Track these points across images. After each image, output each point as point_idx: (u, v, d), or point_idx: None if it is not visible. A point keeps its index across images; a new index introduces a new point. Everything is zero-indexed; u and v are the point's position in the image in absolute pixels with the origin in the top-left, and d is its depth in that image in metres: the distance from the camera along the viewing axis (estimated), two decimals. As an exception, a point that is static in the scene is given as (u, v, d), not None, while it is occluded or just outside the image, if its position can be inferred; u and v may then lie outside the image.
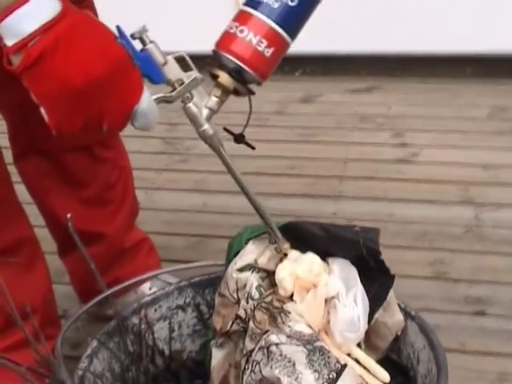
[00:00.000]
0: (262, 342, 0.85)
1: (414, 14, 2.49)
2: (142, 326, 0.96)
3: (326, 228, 0.92)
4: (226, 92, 0.88)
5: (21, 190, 1.25)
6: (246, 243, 0.94)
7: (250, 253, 0.93)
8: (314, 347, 0.84)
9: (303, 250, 0.91)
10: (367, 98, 2.51)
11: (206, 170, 2.03)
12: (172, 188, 2.00)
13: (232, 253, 0.95)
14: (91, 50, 0.75)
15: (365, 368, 0.86)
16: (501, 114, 2.31)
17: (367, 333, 0.93)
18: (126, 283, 1.03)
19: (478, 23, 2.45)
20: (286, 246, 0.91)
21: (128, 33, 0.81)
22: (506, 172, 1.96)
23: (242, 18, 0.87)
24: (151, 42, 0.84)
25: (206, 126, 0.87)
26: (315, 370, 0.82)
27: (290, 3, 0.85)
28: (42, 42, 0.72)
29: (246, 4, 0.88)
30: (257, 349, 0.86)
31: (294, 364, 0.82)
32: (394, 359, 0.95)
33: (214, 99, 0.87)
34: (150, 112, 0.81)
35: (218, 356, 0.96)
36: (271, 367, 0.83)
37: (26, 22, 0.71)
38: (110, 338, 0.91)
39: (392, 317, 0.94)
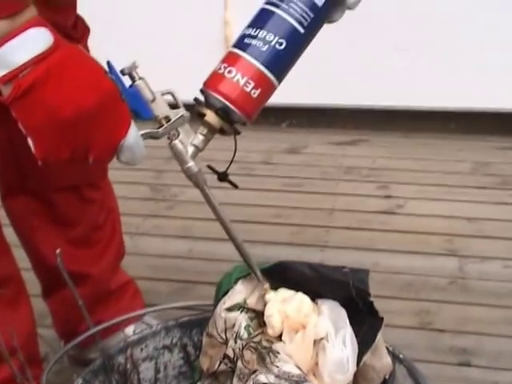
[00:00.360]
0: (250, 382, 0.84)
1: (400, 70, 2.55)
2: (128, 366, 0.95)
3: (315, 268, 0.92)
4: (212, 130, 0.89)
5: (7, 232, 1.24)
6: (235, 282, 0.94)
7: (239, 292, 0.93)
8: (302, 388, 0.83)
9: (293, 290, 0.91)
10: (352, 151, 2.54)
11: (193, 217, 2.04)
12: (158, 234, 2.00)
13: (221, 292, 0.95)
14: (82, 81, 0.76)
15: (353, 409, 0.85)
16: (484, 169, 2.35)
17: (355, 376, 0.92)
18: (110, 323, 1.01)
19: (462, 80, 2.51)
20: (266, 286, 0.91)
21: (118, 68, 0.83)
22: (490, 225, 1.98)
23: (230, 59, 0.89)
24: (140, 78, 0.85)
25: (190, 164, 0.88)
26: (304, 411, 0.81)
27: (278, 47, 0.87)
28: (33, 73, 0.73)
29: (235, 46, 0.90)
30: (245, 389, 0.85)
31: (282, 404, 0.81)
32: (381, 405, 0.93)
33: (200, 137, 0.89)
34: (137, 147, 0.82)
35: (203, 398, 0.95)
36: (259, 407, 0.81)
37: (17, 53, 0.72)
38: (95, 377, 0.90)
39: (380, 360, 0.93)
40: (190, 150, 0.88)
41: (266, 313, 0.88)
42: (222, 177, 0.94)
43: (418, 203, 2.12)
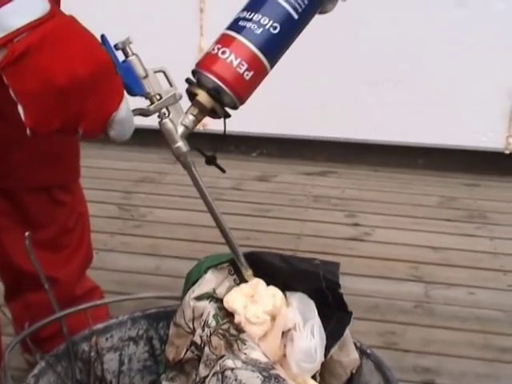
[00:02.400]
0: (217, 367, 0.83)
1: (371, 104, 2.60)
2: (92, 354, 0.93)
3: (286, 259, 0.92)
4: (202, 111, 0.89)
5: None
6: (205, 272, 0.94)
7: (209, 282, 0.93)
8: (269, 374, 0.82)
9: (264, 280, 0.91)
10: (321, 181, 2.56)
11: (160, 236, 2.03)
12: (125, 251, 1.98)
13: (190, 281, 0.94)
14: (77, 51, 0.75)
15: (319, 399, 0.85)
16: (450, 204, 2.39)
17: (321, 373, 0.91)
18: (76, 308, 0.99)
19: (431, 117, 2.56)
20: (249, 272, 0.91)
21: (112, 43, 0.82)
22: (455, 255, 2.01)
23: (224, 40, 0.88)
24: (134, 54, 0.85)
25: (180, 143, 0.87)
26: (270, 397, 0.80)
27: (273, 31, 0.88)
28: (28, 39, 0.72)
29: (229, 28, 0.89)
30: (211, 375, 0.84)
31: (248, 389, 0.80)
32: (347, 400, 0.93)
33: (191, 117, 0.88)
34: (127, 122, 0.81)
35: (168, 390, 0.93)
36: (225, 392, 0.80)
37: (13, 17, 0.71)
38: (58, 361, 0.88)
39: (348, 355, 0.93)
40: (180, 129, 0.87)
41: (225, 298, 0.88)
42: (211, 160, 0.93)
43: (386, 232, 2.14)
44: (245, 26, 0.87)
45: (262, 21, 0.87)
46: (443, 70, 2.51)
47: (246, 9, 0.89)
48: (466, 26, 2.49)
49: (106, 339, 0.96)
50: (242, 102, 0.89)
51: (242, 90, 0.88)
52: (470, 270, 1.93)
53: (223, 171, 0.93)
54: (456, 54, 2.50)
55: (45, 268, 1.29)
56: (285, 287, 0.92)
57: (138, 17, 2.61)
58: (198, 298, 0.92)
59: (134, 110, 0.83)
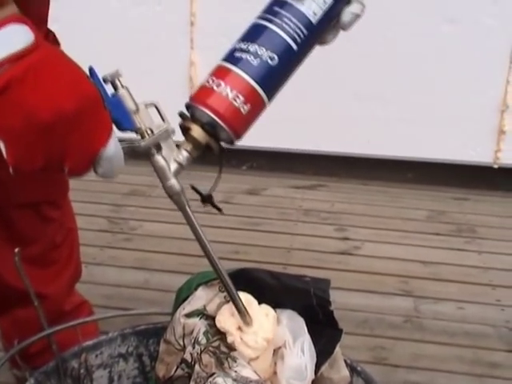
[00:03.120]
0: (208, 385, 0.83)
1: (361, 119, 2.61)
2: (82, 371, 0.93)
3: (277, 276, 0.92)
4: (197, 147, 0.84)
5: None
6: (196, 289, 0.93)
7: (199, 299, 0.92)
8: (260, 392, 0.82)
9: (255, 298, 0.91)
10: (311, 195, 2.57)
11: (150, 250, 2.03)
12: (114, 264, 1.98)
13: (181, 298, 0.94)
14: (62, 84, 0.71)
15: (310, 418, 0.85)
16: (439, 218, 2.40)
17: (312, 390, 0.91)
18: (65, 325, 0.99)
19: (420, 131, 2.58)
20: (249, 319, 0.86)
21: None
22: (445, 269, 2.02)
23: (219, 72, 0.85)
24: (123, 87, 0.81)
25: (173, 181, 0.82)
26: (260, 415, 0.80)
27: (270, 62, 0.84)
28: (11, 71, 0.68)
29: (224, 60, 0.86)
30: (201, 392, 0.83)
31: (239, 407, 0.80)
32: (338, 418, 0.93)
33: (184, 154, 0.84)
34: (116, 159, 0.77)
35: (158, 407, 0.93)
36: (216, 410, 0.80)
37: None
38: (47, 379, 0.87)
39: (338, 372, 0.93)
40: (173, 166, 0.82)
41: (217, 317, 0.87)
42: (206, 199, 0.88)
43: (375, 246, 2.15)
44: (241, 57, 0.83)
45: (258, 51, 0.83)
46: (433, 84, 2.52)
47: (243, 39, 0.85)
48: (456, 41, 2.51)
49: (96, 356, 0.96)
50: (239, 137, 0.85)
51: (238, 125, 0.83)
52: (459, 284, 1.93)
53: (219, 210, 0.89)
54: (446, 69, 2.52)
55: (34, 284, 1.28)
56: (275, 304, 0.92)
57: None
58: (189, 315, 0.91)
59: (123, 146, 0.78)
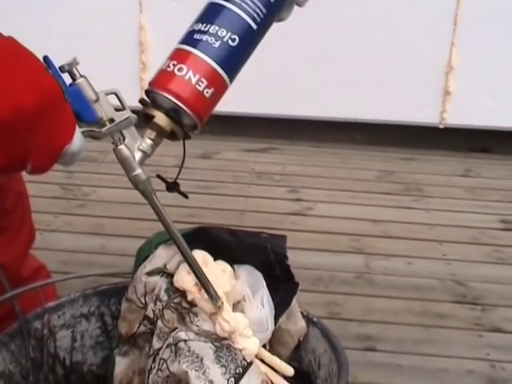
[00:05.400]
0: (170, 339, 0.86)
1: (310, 82, 2.63)
2: (45, 332, 0.95)
3: (235, 234, 0.95)
4: (161, 134, 0.83)
5: None
6: (156, 248, 0.96)
7: (160, 257, 0.95)
8: (221, 344, 0.86)
9: (213, 255, 0.94)
10: (263, 158, 2.60)
11: (104, 216, 2.04)
12: (69, 231, 1.98)
13: (141, 257, 0.96)
14: (20, 78, 0.67)
15: (269, 367, 0.89)
16: (388, 177, 2.46)
17: (270, 341, 0.95)
18: (27, 287, 1.00)
19: (368, 93, 2.62)
20: (220, 303, 0.87)
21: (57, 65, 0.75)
22: (394, 227, 2.08)
23: (180, 56, 0.82)
24: (82, 76, 0.78)
25: (138, 171, 0.81)
26: (222, 365, 0.83)
27: (231, 43, 0.83)
28: None
29: (183, 42, 0.83)
30: (164, 346, 0.86)
31: (201, 359, 0.83)
32: (295, 367, 0.97)
33: (148, 141, 0.82)
34: (81, 152, 0.75)
35: (121, 364, 0.95)
36: (179, 362, 0.83)
37: None
38: (11, 340, 0.89)
39: (295, 324, 0.97)
40: (138, 155, 0.81)
41: (175, 278, 0.90)
42: (172, 187, 0.90)
43: (327, 206, 2.20)
44: (201, 40, 0.82)
45: (219, 33, 0.82)
46: (380, 47, 2.56)
47: (201, 20, 0.84)
48: (401, 4, 2.55)
49: (58, 317, 0.98)
50: (203, 122, 0.84)
51: (202, 109, 0.82)
52: (408, 241, 2.00)
53: (186, 197, 0.90)
54: (392, 31, 2.55)
55: (-14, 253, 1.28)
56: (233, 261, 0.95)
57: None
58: (150, 274, 0.94)
59: (83, 132, 0.76)
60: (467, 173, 2.53)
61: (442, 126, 2.67)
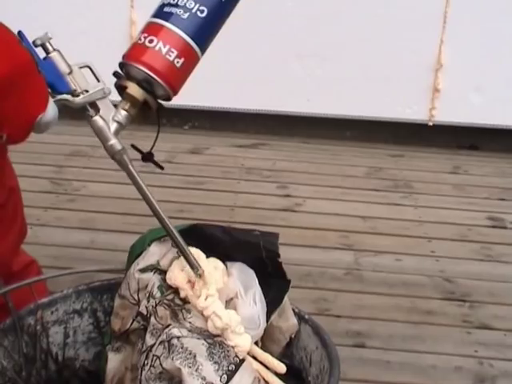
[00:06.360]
0: (164, 336, 0.86)
1: (300, 78, 2.64)
2: (38, 328, 0.95)
3: (227, 231, 0.96)
4: (134, 104, 0.86)
5: None
6: (149, 245, 0.96)
7: (153, 254, 0.95)
8: (214, 341, 0.86)
9: (206, 252, 0.94)
10: (253, 154, 2.60)
11: (94, 210, 2.03)
12: (59, 225, 1.97)
13: (134, 254, 0.97)
14: None
15: (261, 363, 0.89)
16: (377, 174, 2.47)
17: (262, 338, 0.96)
18: (22, 283, 1.00)
19: (357, 90, 2.62)
20: (201, 271, 0.89)
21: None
22: (383, 223, 2.09)
23: (151, 28, 0.87)
24: (55, 50, 0.81)
25: (113, 141, 0.84)
26: (215, 362, 0.84)
27: (200, 14, 0.87)
28: None
29: (154, 16, 0.88)
30: (157, 343, 0.87)
31: (194, 356, 0.84)
32: (286, 364, 0.98)
33: (123, 112, 0.85)
34: (54, 121, 0.78)
35: (113, 360, 0.96)
36: (172, 359, 0.84)
37: None
38: (4, 336, 0.89)
39: (287, 321, 0.98)
40: (113, 126, 0.84)
41: (167, 275, 0.91)
42: (147, 157, 0.92)
43: (316, 202, 2.20)
44: (171, 12, 0.86)
45: (187, 5, 0.86)
46: (370, 44, 2.57)
47: None
48: (390, 1, 2.56)
49: (51, 312, 0.98)
50: (176, 92, 0.87)
51: (174, 79, 0.86)
52: (397, 237, 2.01)
53: (161, 168, 0.92)
54: (382, 29, 2.56)
55: (-21, 246, 1.28)
56: (225, 258, 0.96)
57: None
58: (143, 270, 0.95)
59: (57, 100, 0.79)
60: (456, 170, 2.55)
61: (430, 123, 2.68)
